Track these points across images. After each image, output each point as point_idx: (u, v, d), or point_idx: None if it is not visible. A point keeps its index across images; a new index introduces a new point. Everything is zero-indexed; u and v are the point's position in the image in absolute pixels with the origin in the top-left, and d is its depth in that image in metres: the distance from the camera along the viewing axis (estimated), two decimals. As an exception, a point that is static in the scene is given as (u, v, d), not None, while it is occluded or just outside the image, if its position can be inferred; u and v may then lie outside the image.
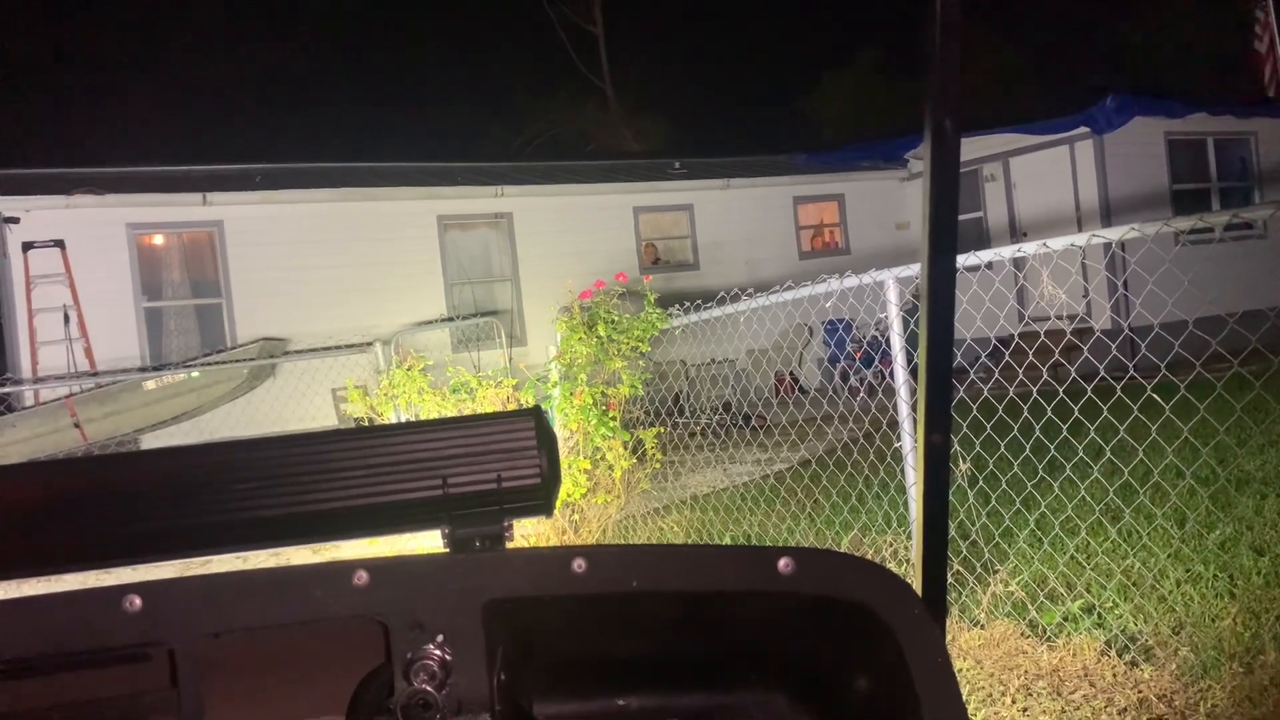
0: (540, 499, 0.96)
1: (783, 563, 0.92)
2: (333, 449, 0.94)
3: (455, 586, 0.90)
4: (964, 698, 3.24)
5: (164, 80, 29.16)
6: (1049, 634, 3.85)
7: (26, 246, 10.97)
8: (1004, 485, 4.77)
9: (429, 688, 0.88)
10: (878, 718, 0.96)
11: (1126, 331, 8.69)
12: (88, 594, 0.87)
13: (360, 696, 0.94)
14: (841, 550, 4.88)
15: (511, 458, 0.95)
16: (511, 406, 6.26)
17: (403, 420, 6.86)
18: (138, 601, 0.86)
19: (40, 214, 11.08)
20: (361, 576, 0.89)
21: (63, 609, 0.87)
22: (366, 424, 7.49)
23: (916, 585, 1.14)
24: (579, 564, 0.91)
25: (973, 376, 4.84)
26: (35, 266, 11.00)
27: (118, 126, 26.03)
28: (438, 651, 0.89)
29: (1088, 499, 4.71)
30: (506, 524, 0.95)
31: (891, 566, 4.64)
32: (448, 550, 0.94)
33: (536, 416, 0.98)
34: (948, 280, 1.05)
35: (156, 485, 0.92)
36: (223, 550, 0.95)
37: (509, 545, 0.96)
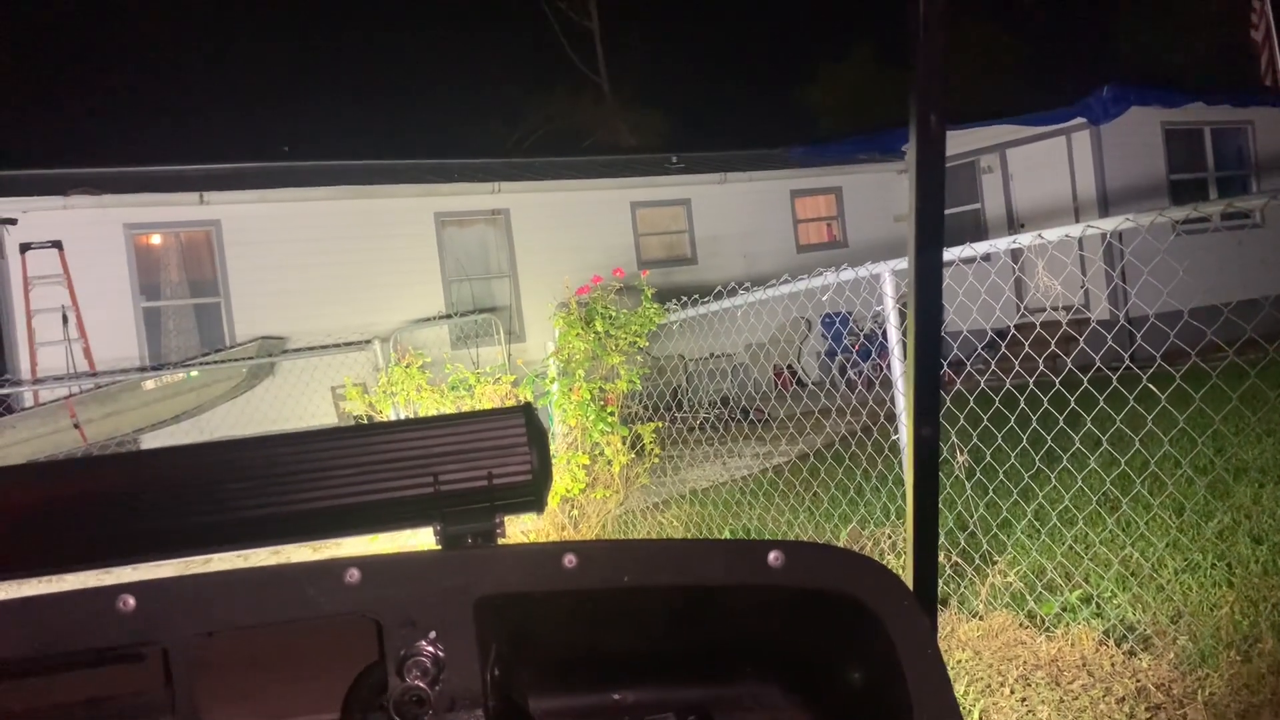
0: (532, 495, 0.96)
1: (773, 556, 0.93)
2: (325, 448, 0.94)
3: (447, 583, 0.90)
4: (963, 689, 3.21)
5: (160, 79, 29.14)
6: (1047, 624, 3.86)
7: (24, 248, 10.96)
8: (1001, 476, 4.78)
9: (422, 684, 0.88)
10: (870, 707, 0.97)
11: (1123, 322, 8.69)
12: (82, 594, 0.87)
13: (354, 694, 0.95)
14: (838, 544, 4.89)
15: (502, 454, 0.95)
16: (510, 403, 6.26)
17: (401, 418, 6.86)
18: (131, 601, 0.87)
19: (37, 215, 11.07)
20: (353, 574, 0.89)
21: (57, 610, 0.87)
22: (365, 422, 7.49)
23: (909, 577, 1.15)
24: (570, 559, 0.91)
25: (969, 369, 4.83)
26: (33, 267, 10.99)
27: (114, 126, 26.02)
28: (430, 648, 0.89)
29: (1085, 490, 4.72)
30: (498, 520, 0.95)
31: (890, 558, 4.64)
32: (440, 547, 0.95)
33: (527, 413, 0.98)
34: (935, 273, 1.05)
35: (151, 486, 0.92)
36: (217, 550, 0.95)
37: (502, 541, 0.96)
